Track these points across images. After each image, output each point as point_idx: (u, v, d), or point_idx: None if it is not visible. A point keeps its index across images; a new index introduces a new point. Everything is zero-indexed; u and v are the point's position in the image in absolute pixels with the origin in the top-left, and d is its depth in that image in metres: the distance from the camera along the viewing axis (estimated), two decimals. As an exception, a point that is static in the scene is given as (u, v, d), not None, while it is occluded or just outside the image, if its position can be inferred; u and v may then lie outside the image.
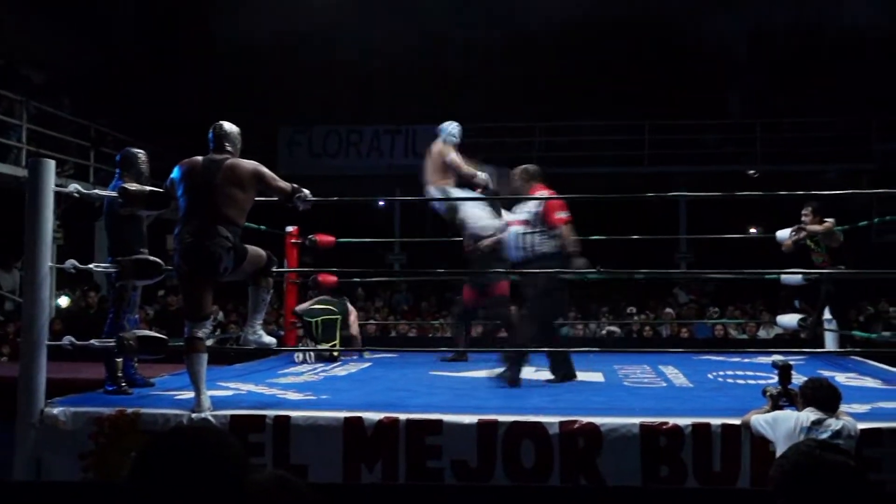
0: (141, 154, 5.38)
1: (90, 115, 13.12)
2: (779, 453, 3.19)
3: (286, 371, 6.26)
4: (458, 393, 5.05)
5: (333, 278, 7.68)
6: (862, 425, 3.83)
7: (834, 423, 3.57)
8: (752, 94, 17.49)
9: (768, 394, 3.98)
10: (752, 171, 15.80)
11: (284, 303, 8.09)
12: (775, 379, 5.92)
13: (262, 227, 6.85)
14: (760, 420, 3.74)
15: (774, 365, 4.19)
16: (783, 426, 3.60)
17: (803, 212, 7.04)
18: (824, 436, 3.47)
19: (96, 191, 5.50)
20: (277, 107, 17.08)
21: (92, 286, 11.70)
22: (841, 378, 5.89)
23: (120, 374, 5.04)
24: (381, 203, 17.84)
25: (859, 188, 13.93)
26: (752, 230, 13.79)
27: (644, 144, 16.01)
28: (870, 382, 5.67)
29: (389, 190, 15.63)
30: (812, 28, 17.89)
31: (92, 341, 4.69)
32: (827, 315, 7.37)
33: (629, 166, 15.93)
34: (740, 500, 3.68)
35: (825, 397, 3.67)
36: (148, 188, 4.75)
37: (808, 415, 3.61)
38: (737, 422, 3.85)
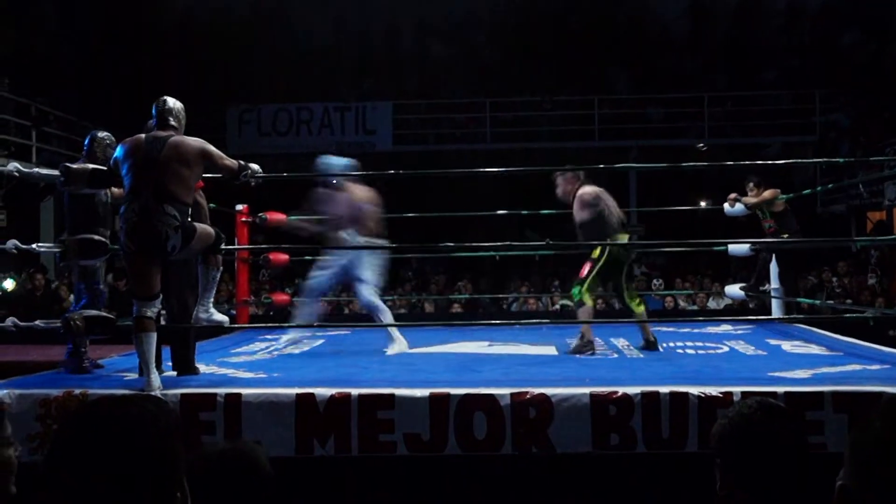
0: (104, 137, 5.22)
1: (30, 94, 12.79)
2: None
3: (238, 350, 6.22)
4: (411, 368, 5.07)
5: (285, 256, 7.61)
6: (806, 389, 3.92)
7: None
8: (697, 70, 17.70)
9: None
10: (700, 145, 15.99)
11: (236, 281, 8.02)
12: (726, 348, 6.04)
13: (212, 204, 6.75)
14: None
15: None
16: None
17: (747, 187, 7.32)
18: None
19: (37, 170, 5.37)
20: (226, 85, 16.84)
21: (38, 268, 11.47)
22: (787, 346, 6.03)
23: (84, 349, 4.90)
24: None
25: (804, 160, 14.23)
26: (702, 203, 13.98)
27: (594, 119, 16.09)
28: (815, 349, 5.80)
29: (340, 167, 15.53)
30: (754, 6, 18.16)
31: (37, 322, 4.61)
32: (775, 284, 7.55)
33: (581, 141, 16.01)
34: (688, 463, 3.74)
35: None
36: (90, 166, 4.65)
37: None
38: (684, 389, 3.90)
